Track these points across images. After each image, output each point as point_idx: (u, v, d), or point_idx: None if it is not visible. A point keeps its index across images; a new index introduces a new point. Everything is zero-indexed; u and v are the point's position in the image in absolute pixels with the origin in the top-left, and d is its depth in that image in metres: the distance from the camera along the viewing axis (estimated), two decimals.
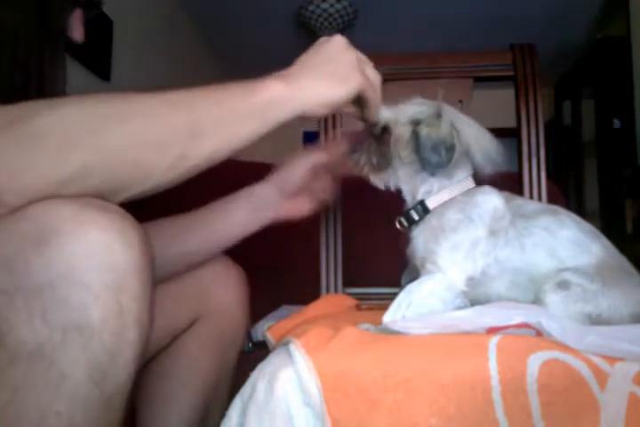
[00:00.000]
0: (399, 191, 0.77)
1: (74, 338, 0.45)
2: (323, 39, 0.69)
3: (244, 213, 0.84)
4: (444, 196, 0.74)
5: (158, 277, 0.79)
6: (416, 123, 0.73)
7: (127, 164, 0.51)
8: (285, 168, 0.87)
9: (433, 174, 0.73)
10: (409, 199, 0.77)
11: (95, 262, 0.46)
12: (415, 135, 0.72)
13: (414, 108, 0.74)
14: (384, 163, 0.74)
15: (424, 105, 0.75)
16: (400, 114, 0.74)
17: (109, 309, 0.46)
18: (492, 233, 0.70)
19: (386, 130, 0.75)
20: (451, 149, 0.70)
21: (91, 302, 0.45)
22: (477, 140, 0.73)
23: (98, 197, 0.50)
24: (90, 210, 0.48)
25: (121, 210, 0.50)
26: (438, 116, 0.72)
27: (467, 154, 0.73)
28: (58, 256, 0.45)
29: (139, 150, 0.51)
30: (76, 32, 0.74)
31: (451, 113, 0.73)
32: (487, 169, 0.74)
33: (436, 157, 0.70)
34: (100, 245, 0.46)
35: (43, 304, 0.44)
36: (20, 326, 0.44)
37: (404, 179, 0.76)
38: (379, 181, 0.76)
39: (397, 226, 0.77)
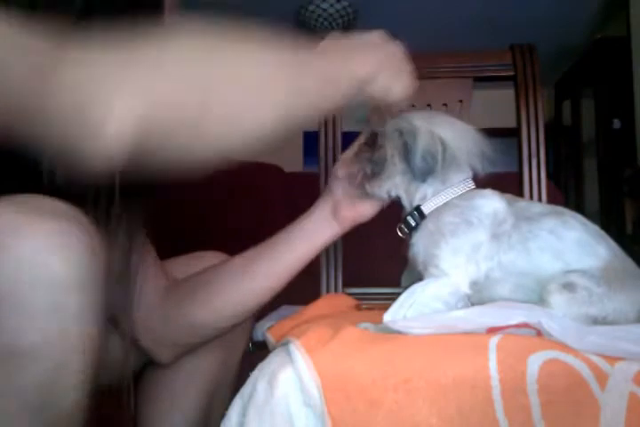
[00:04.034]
0: (398, 198, 0.78)
1: (8, 365, 0.41)
2: (378, 34, 0.69)
3: (299, 247, 0.82)
4: (439, 199, 0.75)
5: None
6: (401, 133, 0.74)
7: (219, 110, 0.49)
8: (330, 180, 0.84)
9: (424, 181, 0.74)
10: (406, 206, 0.78)
11: (30, 280, 0.41)
12: (405, 145, 0.73)
13: (400, 120, 0.75)
14: (378, 170, 0.75)
15: (409, 117, 0.75)
16: (388, 125, 0.75)
17: (48, 331, 0.41)
18: (495, 237, 0.70)
19: (376, 137, 0.76)
20: (436, 155, 0.72)
21: (26, 325, 0.41)
22: (460, 142, 0.73)
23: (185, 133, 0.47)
24: (28, 219, 0.42)
25: (71, 214, 0.45)
26: (419, 126, 0.73)
27: (454, 158, 0.73)
28: None
29: (232, 104, 0.50)
30: None
31: (428, 121, 0.74)
32: (477, 169, 0.75)
33: (424, 165, 0.72)
34: (36, 260, 0.41)
35: None
36: None
37: (400, 186, 0.76)
38: (376, 189, 0.77)
39: (399, 233, 0.78)
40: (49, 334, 0.41)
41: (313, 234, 0.82)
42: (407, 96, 0.69)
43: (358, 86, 0.63)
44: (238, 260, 0.83)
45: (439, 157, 0.72)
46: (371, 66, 0.64)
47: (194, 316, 0.79)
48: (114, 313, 0.75)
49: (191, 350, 0.83)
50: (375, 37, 0.69)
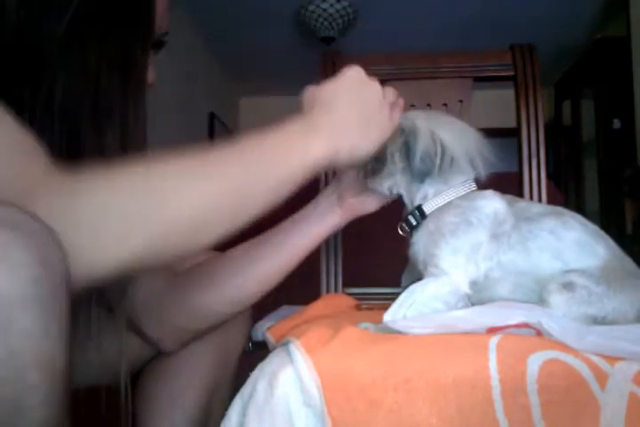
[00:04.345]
0: (400, 196, 0.78)
1: None
2: (354, 76, 0.69)
3: (303, 233, 0.83)
4: (440, 200, 0.75)
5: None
6: (403, 131, 0.74)
7: (166, 251, 0.52)
8: (342, 170, 0.85)
9: (422, 182, 0.75)
10: (408, 204, 0.78)
11: None
12: (405, 145, 0.73)
13: (402, 119, 0.75)
14: (378, 168, 0.75)
15: (411, 116, 0.76)
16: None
17: None
18: (494, 237, 0.70)
19: None
20: (434, 157, 0.72)
21: None
22: (460, 145, 0.73)
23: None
24: None
25: (21, 223, 0.41)
26: (421, 126, 0.73)
27: (453, 160, 0.73)
28: None
29: (191, 227, 0.52)
30: (149, 75, 0.72)
31: (430, 122, 0.74)
32: (478, 171, 0.75)
33: (422, 166, 0.72)
34: None
35: None
36: None
37: (402, 185, 0.77)
38: (377, 186, 0.77)
39: (400, 232, 0.78)
40: None
41: (316, 221, 0.83)
42: (374, 150, 0.69)
43: (318, 166, 0.63)
44: (243, 247, 0.83)
45: (437, 160, 0.72)
46: (330, 144, 0.63)
47: (198, 302, 0.80)
48: (114, 310, 0.76)
49: (196, 336, 0.83)
50: (350, 80, 0.69)
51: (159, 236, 0.50)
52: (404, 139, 0.73)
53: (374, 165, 0.75)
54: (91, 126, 0.64)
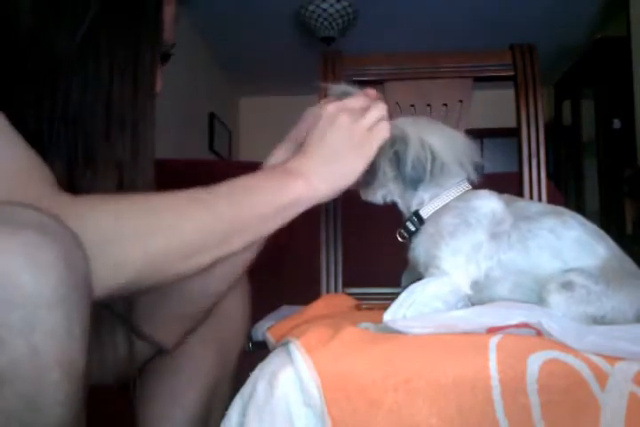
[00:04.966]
0: (395, 204, 0.79)
1: None
2: (325, 116, 0.71)
3: None
4: (436, 203, 0.75)
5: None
6: (393, 141, 0.74)
7: (165, 271, 0.56)
8: (299, 123, 0.79)
9: (416, 188, 0.75)
10: (404, 211, 0.78)
11: (1, 299, 0.39)
12: (396, 154, 0.74)
13: (391, 128, 0.75)
14: (371, 179, 0.76)
15: (400, 124, 0.76)
16: None
17: (19, 352, 0.39)
18: (494, 236, 0.70)
19: None
20: (424, 164, 0.72)
21: None
22: (449, 150, 0.74)
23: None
24: None
25: (46, 226, 0.43)
26: (410, 134, 0.73)
27: (442, 165, 0.73)
28: None
29: (187, 250, 0.57)
30: (157, 84, 0.73)
31: (419, 129, 0.74)
32: (469, 175, 0.75)
33: (414, 173, 0.73)
34: (6, 277, 0.39)
35: None
36: None
37: (396, 193, 0.77)
38: (371, 196, 0.78)
39: (399, 238, 0.78)
40: (21, 354, 0.40)
41: None
42: (357, 176, 0.70)
43: (298, 202, 0.66)
44: None
45: (428, 167, 0.72)
46: (307, 185, 0.67)
47: (198, 285, 0.79)
48: (117, 311, 0.76)
49: (192, 329, 0.83)
50: (323, 120, 0.70)
51: (157, 258, 0.54)
52: (394, 148, 0.74)
53: (365, 176, 0.75)
54: (103, 133, 0.66)
